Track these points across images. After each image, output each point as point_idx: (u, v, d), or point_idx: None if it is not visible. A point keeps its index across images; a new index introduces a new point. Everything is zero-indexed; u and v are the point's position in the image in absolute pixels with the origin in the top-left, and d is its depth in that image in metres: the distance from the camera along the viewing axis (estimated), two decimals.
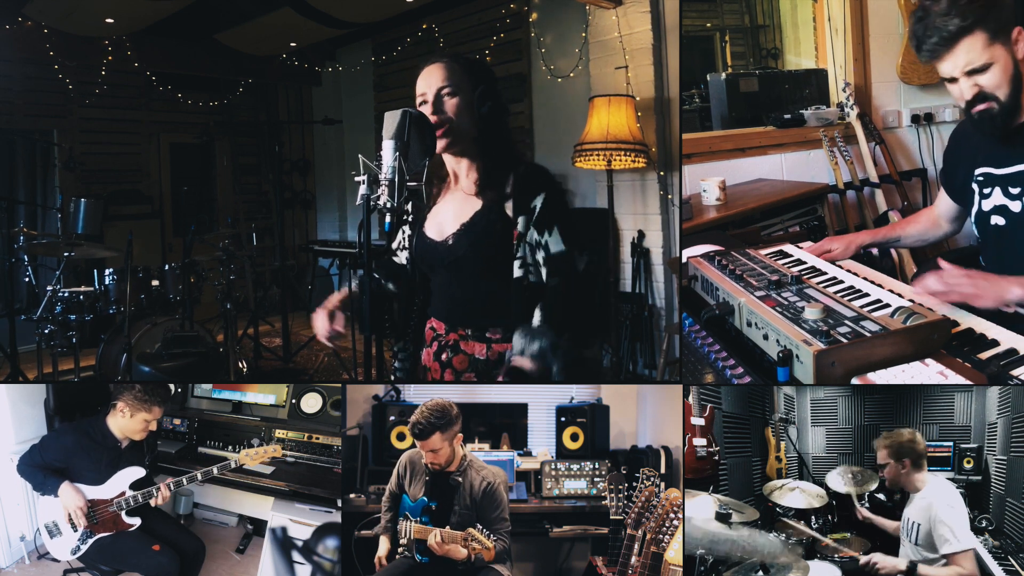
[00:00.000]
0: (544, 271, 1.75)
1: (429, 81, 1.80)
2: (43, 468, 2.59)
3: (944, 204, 2.32)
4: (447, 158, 1.86)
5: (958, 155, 2.18)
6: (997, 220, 2.01)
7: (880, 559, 2.29)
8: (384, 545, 2.45)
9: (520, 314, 1.76)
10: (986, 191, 2.04)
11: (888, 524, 2.74)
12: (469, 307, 1.85)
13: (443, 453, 2.32)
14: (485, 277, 1.81)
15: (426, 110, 1.77)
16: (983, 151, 2.04)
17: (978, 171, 2.06)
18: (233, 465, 2.77)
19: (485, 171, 1.82)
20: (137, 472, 2.64)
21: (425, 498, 2.36)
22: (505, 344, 1.82)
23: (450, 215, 1.85)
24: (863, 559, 2.32)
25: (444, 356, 1.88)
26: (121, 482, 2.61)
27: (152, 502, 2.62)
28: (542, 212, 1.75)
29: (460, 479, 2.35)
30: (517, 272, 1.76)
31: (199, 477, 2.70)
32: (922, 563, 2.26)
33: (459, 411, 2.34)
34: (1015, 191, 1.95)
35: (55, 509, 2.57)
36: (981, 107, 1.89)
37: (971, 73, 1.85)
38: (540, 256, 1.75)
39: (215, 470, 2.73)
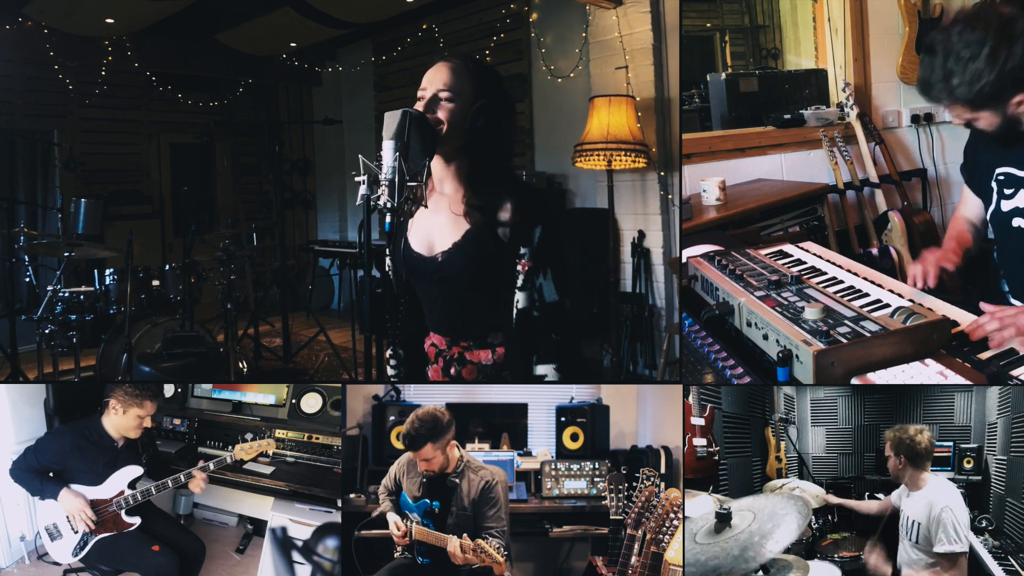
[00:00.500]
0: (540, 316, 1.75)
1: (432, 79, 1.75)
2: (39, 473, 2.58)
3: (972, 204, 2.26)
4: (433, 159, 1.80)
5: (978, 149, 2.16)
6: (1019, 222, 1.99)
7: (873, 561, 2.30)
8: (394, 516, 2.41)
9: (526, 347, 1.75)
10: (1008, 191, 2.01)
11: (862, 506, 2.75)
12: (465, 320, 1.82)
13: (436, 461, 2.32)
14: (477, 292, 1.79)
15: (420, 106, 1.73)
16: (1005, 149, 2.02)
17: (999, 170, 2.03)
18: (228, 460, 2.76)
19: (472, 189, 1.77)
20: (135, 471, 2.64)
21: (427, 499, 2.36)
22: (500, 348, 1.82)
23: (437, 230, 1.80)
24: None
25: (452, 371, 1.86)
26: (119, 481, 2.61)
27: (194, 488, 2.65)
28: (539, 248, 1.73)
29: (457, 480, 2.35)
30: (523, 303, 1.73)
31: (193, 473, 2.70)
32: (908, 570, 2.27)
33: (451, 417, 2.33)
34: None
35: (55, 512, 2.57)
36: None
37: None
38: (534, 297, 1.75)
39: (211, 465, 2.73)
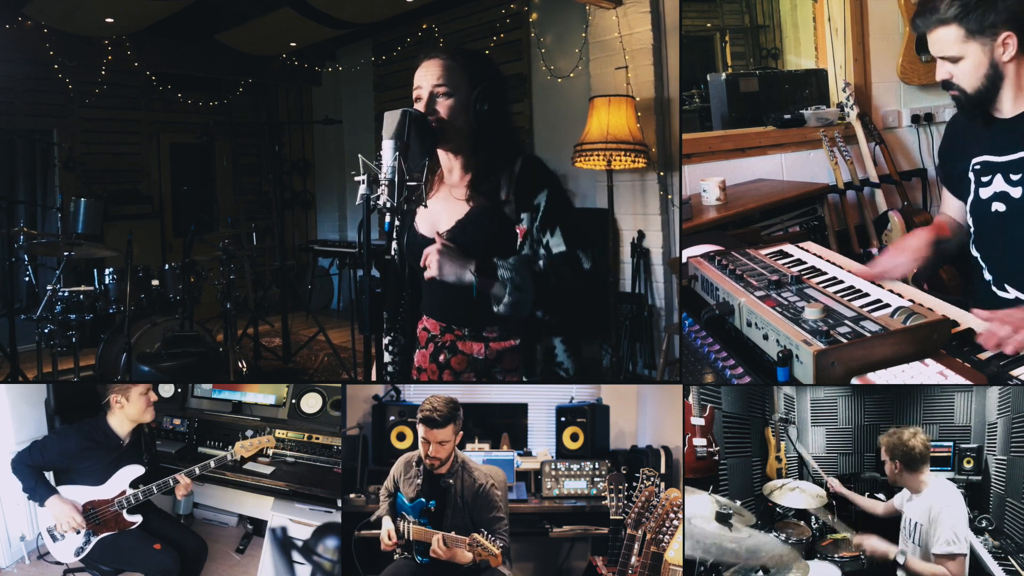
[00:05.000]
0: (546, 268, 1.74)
1: (425, 77, 1.76)
2: (37, 471, 2.58)
3: (953, 205, 2.31)
4: (440, 154, 1.83)
5: (953, 146, 2.22)
6: (998, 207, 2.04)
7: (871, 544, 2.31)
8: (388, 522, 2.40)
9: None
10: (985, 179, 2.06)
11: (863, 501, 2.74)
12: (464, 305, 1.80)
13: (447, 447, 2.30)
14: (479, 273, 1.77)
15: (420, 107, 1.74)
16: (980, 140, 2.08)
17: (975, 160, 2.09)
18: (229, 458, 2.77)
19: (476, 175, 1.78)
20: (136, 470, 2.64)
21: (423, 499, 2.35)
22: (503, 342, 1.81)
23: (443, 212, 1.83)
24: (857, 539, 2.33)
25: (442, 358, 1.86)
26: (121, 481, 2.61)
27: (177, 494, 2.65)
28: (546, 211, 1.73)
29: (452, 481, 2.34)
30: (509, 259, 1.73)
31: (196, 471, 2.70)
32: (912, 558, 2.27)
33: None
34: (1016, 177, 1.99)
35: None
36: (951, 91, 2.04)
37: (944, 59, 1.99)
38: (540, 255, 1.74)
39: (212, 463, 2.74)
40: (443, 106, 1.74)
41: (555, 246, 1.74)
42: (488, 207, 1.76)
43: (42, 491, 2.56)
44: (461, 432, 2.35)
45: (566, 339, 1.83)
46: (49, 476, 2.66)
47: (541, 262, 1.73)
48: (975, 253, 2.17)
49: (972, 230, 2.16)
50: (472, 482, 2.33)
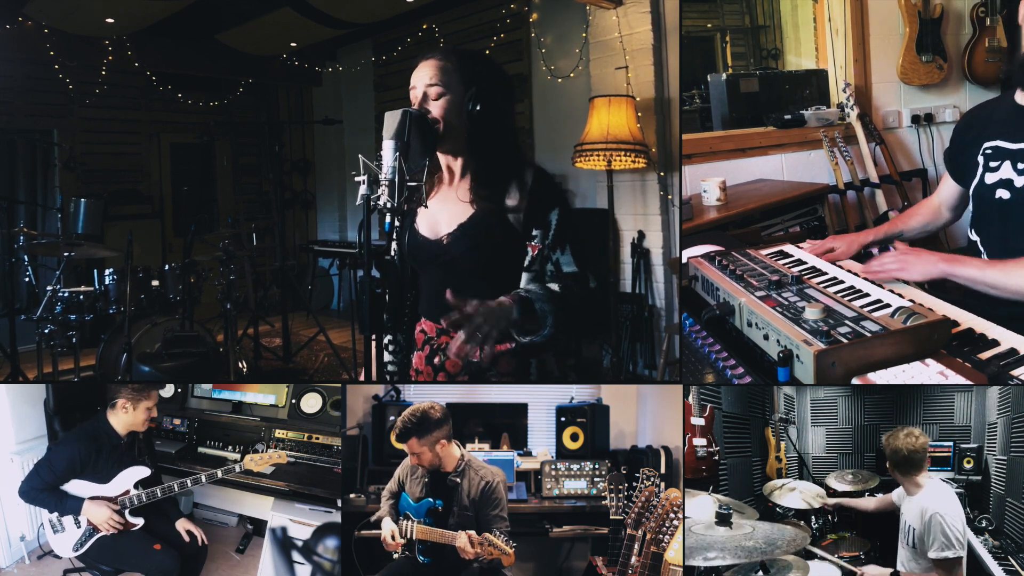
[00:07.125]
0: (556, 287, 1.74)
1: (420, 77, 1.76)
2: (54, 489, 2.56)
3: (947, 190, 2.35)
4: (439, 155, 1.82)
5: (969, 130, 2.22)
6: (1002, 193, 2.04)
7: (870, 573, 2.30)
8: (390, 523, 2.39)
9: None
10: (993, 164, 2.07)
11: (860, 503, 2.75)
12: None
13: (424, 457, 2.31)
14: (479, 278, 1.77)
15: (414, 106, 1.74)
16: (995, 126, 2.09)
17: (987, 144, 2.09)
18: (238, 469, 2.78)
19: (477, 177, 1.77)
20: (142, 472, 2.64)
21: (430, 499, 2.36)
22: (499, 345, 1.81)
23: (445, 214, 1.82)
24: (858, 570, 2.33)
25: (436, 360, 1.86)
26: (126, 481, 2.61)
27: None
28: (557, 230, 1.73)
29: (459, 479, 2.34)
30: (527, 284, 1.73)
31: (203, 480, 2.72)
32: (907, 573, 2.26)
33: (445, 416, 2.31)
34: (1022, 166, 1.99)
35: None
36: None
37: None
38: (548, 270, 1.74)
39: (219, 473, 2.75)
40: (435, 106, 1.73)
41: (565, 265, 1.74)
42: (492, 212, 1.75)
43: (70, 504, 2.54)
44: (443, 441, 2.32)
45: (556, 352, 1.84)
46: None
47: (555, 285, 1.73)
48: (974, 236, 2.18)
49: (972, 214, 2.17)
50: (479, 480, 2.34)
